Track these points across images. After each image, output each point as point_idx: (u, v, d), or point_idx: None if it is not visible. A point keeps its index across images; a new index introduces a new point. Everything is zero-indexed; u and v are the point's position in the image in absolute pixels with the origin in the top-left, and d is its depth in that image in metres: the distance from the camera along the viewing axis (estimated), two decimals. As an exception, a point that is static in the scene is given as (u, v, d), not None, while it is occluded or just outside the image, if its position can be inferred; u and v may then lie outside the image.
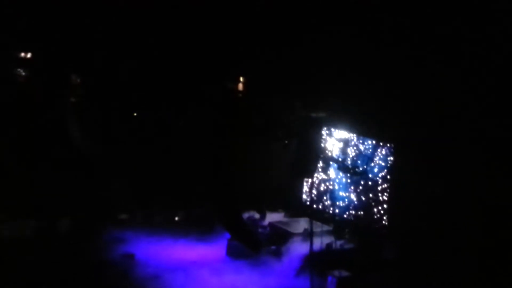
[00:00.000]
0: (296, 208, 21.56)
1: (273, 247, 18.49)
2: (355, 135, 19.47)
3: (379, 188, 18.90)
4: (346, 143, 19.25)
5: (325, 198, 20.32)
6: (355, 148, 19.55)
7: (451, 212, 16.16)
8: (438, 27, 15.86)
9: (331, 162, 19.41)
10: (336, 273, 16.81)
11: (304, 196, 21.74)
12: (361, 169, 18.79)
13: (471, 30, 15.18)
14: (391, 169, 18.50)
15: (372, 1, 17.38)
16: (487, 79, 15.41)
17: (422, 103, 16.81)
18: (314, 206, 20.22)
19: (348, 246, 18.60)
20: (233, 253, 19.15)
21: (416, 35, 16.54)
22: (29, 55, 22.35)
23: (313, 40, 19.14)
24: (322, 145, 19.42)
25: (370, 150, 19.14)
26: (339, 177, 19.84)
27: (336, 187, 19.99)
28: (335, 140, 19.57)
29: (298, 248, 18.05)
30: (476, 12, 15.01)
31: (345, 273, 16.85)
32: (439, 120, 16.46)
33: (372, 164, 18.84)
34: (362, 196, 19.48)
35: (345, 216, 19.90)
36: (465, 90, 15.81)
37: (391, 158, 18.63)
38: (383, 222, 18.70)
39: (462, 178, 16.04)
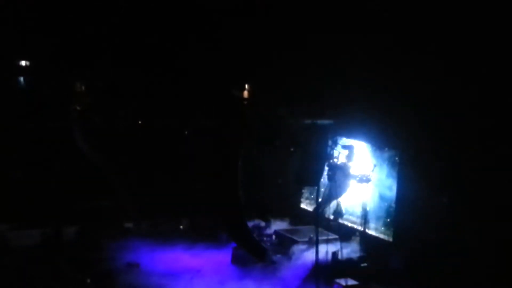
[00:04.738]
0: (301, 216, 21.46)
1: (278, 255, 18.41)
2: (360, 142, 19.34)
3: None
4: (352, 150, 19.13)
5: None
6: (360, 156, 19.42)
7: (458, 222, 16.04)
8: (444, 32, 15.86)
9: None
10: (342, 281, 16.72)
11: (309, 204, 21.63)
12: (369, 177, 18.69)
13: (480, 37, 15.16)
14: (397, 177, 18.35)
15: (376, 9, 17.41)
16: (498, 90, 15.36)
17: (430, 111, 16.74)
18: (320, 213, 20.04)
19: (354, 254, 18.48)
20: (238, 261, 19.05)
21: (425, 41, 16.53)
22: (33, 63, 22.43)
23: (318, 48, 19.16)
24: (328, 152, 19.28)
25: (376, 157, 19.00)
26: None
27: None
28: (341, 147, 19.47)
29: (304, 256, 17.97)
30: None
31: (351, 281, 16.75)
32: (447, 129, 16.37)
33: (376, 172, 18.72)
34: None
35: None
36: (474, 98, 15.75)
37: (398, 167, 18.48)
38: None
39: (469, 187, 15.93)
